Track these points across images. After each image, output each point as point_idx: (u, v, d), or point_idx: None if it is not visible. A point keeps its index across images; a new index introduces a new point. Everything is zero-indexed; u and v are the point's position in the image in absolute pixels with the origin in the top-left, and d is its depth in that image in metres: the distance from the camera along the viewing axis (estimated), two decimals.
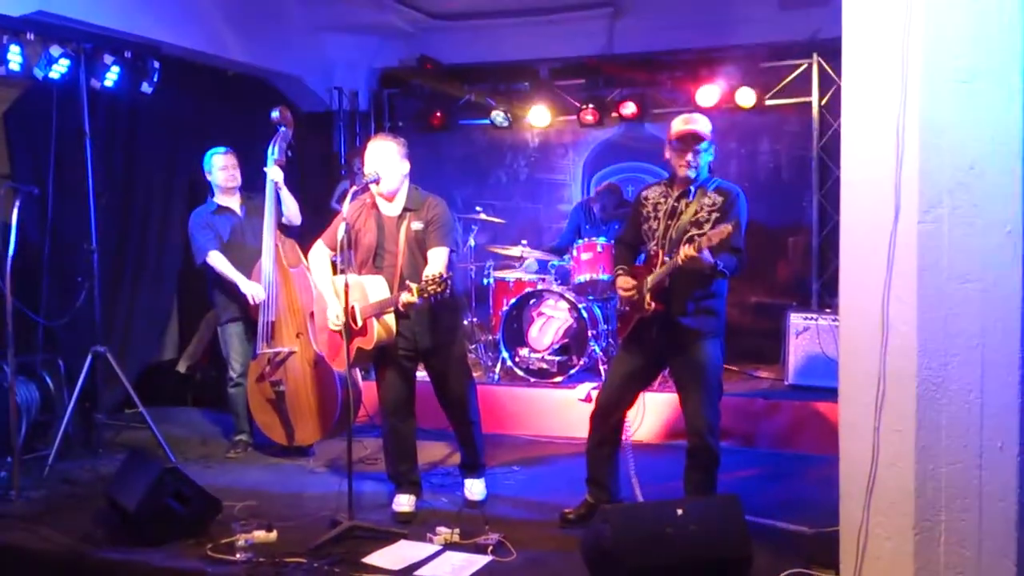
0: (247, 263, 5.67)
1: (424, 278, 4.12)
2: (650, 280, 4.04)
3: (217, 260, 5.67)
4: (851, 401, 3.37)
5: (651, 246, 4.14)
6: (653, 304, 4.01)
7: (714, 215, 3.98)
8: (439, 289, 4.05)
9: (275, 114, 5.63)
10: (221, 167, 5.74)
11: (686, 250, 3.77)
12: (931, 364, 3.16)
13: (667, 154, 4.16)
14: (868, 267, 3.27)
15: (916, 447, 3.18)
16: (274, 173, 5.56)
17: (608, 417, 4.31)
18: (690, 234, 3.95)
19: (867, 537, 3.28)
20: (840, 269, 3.45)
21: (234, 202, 5.81)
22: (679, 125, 4.09)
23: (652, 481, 4.88)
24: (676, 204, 4.10)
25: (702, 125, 4.07)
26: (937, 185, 3.14)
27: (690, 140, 4.04)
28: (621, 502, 4.36)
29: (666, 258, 3.98)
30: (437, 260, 4.38)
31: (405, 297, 4.13)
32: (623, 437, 4.43)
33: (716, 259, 3.82)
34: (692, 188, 4.09)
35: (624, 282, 4.18)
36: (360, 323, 4.38)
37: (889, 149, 3.22)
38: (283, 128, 5.62)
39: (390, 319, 4.38)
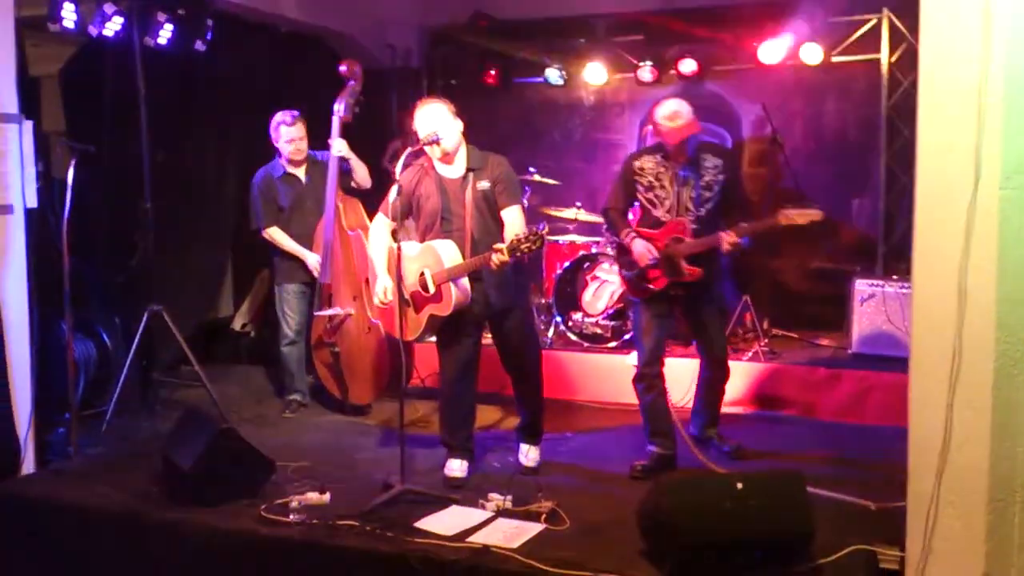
0: (309, 227, 5.66)
1: (516, 237, 4.03)
2: (684, 250, 4.49)
3: (275, 235, 5.70)
4: (923, 375, 3.23)
5: (660, 213, 4.58)
6: (692, 270, 4.47)
7: (720, 176, 4.54)
8: (534, 246, 4.00)
9: (343, 68, 5.54)
10: (288, 140, 5.62)
11: (729, 239, 4.37)
12: (1010, 338, 3.03)
13: (655, 133, 4.66)
14: (945, 235, 3.12)
15: (992, 425, 3.05)
16: (338, 146, 5.49)
17: (657, 373, 4.65)
18: (706, 197, 4.52)
19: (936, 515, 3.17)
20: (914, 237, 3.28)
21: (300, 170, 5.77)
22: (667, 125, 4.51)
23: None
24: (677, 171, 4.54)
25: (685, 119, 4.49)
26: (1021, 149, 2.98)
27: (684, 146, 4.53)
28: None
29: (693, 226, 4.51)
30: (517, 218, 4.35)
31: (498, 257, 4.04)
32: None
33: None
34: (697, 155, 4.56)
35: (644, 251, 4.53)
36: (433, 289, 4.32)
37: (970, 110, 3.06)
38: (352, 82, 5.54)
39: (465, 282, 4.31)
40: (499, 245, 4.06)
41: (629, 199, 4.71)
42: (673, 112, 4.50)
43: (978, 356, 3.06)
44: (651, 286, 4.60)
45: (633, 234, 4.61)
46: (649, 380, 4.64)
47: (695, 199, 4.53)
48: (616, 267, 6.32)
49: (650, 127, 6.71)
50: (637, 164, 4.63)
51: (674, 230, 4.54)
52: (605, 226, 6.64)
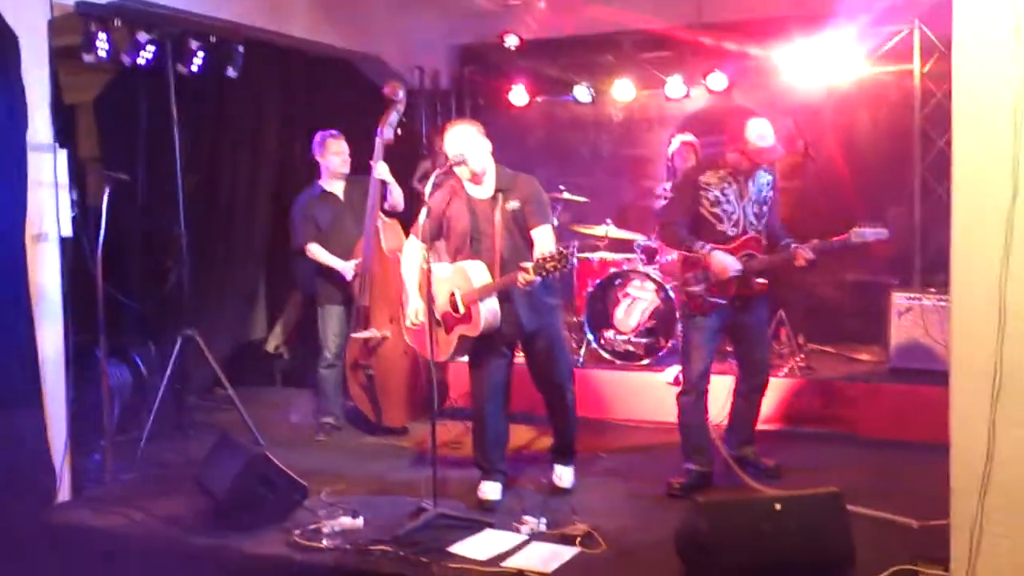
0: (347, 247, 5.69)
1: (542, 256, 4.03)
2: (757, 266, 4.57)
3: (316, 252, 5.73)
4: (963, 392, 3.15)
5: (727, 227, 4.58)
6: (763, 285, 4.61)
7: (772, 192, 4.66)
8: (560, 266, 3.99)
9: (386, 90, 5.59)
10: (336, 152, 5.73)
11: (806, 255, 4.48)
12: None
13: (735, 149, 4.54)
14: (983, 249, 3.06)
15: None
16: (381, 170, 5.53)
17: (704, 389, 4.63)
18: (764, 212, 4.63)
19: (981, 534, 3.09)
20: (952, 251, 3.22)
21: (339, 187, 5.82)
22: (760, 145, 4.49)
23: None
24: (744, 187, 4.59)
25: (774, 139, 4.54)
26: None
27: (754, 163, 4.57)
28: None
29: (763, 240, 4.63)
30: (547, 238, 4.34)
31: (524, 277, 4.04)
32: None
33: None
34: (757, 172, 4.59)
35: (729, 263, 4.49)
36: (463, 310, 4.31)
37: (1006, 122, 3.01)
38: (396, 104, 5.58)
39: (495, 303, 4.30)
40: (525, 264, 4.05)
41: (691, 214, 4.63)
42: (766, 133, 4.50)
43: (1021, 371, 2.99)
44: (717, 300, 4.56)
45: (709, 247, 4.52)
46: (695, 396, 4.61)
47: (757, 214, 4.60)
48: (647, 283, 6.29)
49: (676, 145, 6.70)
50: (702, 179, 4.59)
51: (747, 246, 4.57)
52: (644, 241, 6.61)
